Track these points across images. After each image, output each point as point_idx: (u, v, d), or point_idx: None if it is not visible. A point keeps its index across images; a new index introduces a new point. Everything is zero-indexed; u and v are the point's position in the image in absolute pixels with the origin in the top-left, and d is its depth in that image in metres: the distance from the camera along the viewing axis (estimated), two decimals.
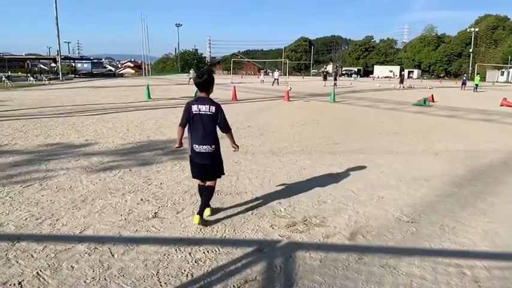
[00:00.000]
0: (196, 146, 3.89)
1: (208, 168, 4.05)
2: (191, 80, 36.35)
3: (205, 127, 3.86)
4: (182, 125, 3.97)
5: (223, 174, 4.25)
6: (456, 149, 8.53)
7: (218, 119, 3.91)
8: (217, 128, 4.00)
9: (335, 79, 36.74)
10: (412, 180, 5.99)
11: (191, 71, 39.20)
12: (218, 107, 3.92)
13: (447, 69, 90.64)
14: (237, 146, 4.21)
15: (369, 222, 4.28)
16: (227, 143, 4.22)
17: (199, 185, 4.28)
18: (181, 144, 4.01)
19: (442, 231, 4.10)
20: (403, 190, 5.48)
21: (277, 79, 39.18)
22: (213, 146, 3.93)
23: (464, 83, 38.08)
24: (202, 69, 3.98)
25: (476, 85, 33.93)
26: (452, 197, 5.21)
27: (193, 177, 4.22)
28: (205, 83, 3.91)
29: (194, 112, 3.86)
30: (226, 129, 3.99)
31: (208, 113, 3.86)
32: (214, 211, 4.40)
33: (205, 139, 3.88)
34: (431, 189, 5.56)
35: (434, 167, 6.84)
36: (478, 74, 42.94)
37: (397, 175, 6.24)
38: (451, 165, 6.94)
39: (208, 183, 4.21)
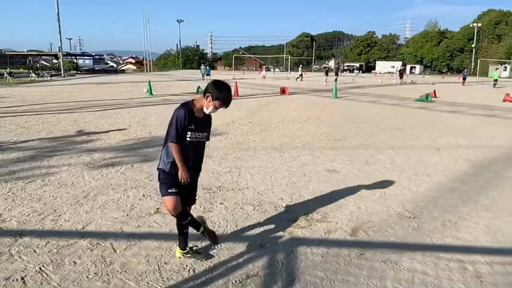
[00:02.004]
0: None
1: None
2: (204, 75, 37.04)
3: None
4: None
5: (162, 195, 3.19)
6: (458, 144, 8.50)
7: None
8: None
9: (336, 74, 36.65)
10: (414, 175, 5.98)
11: (202, 67, 40.05)
12: (174, 110, 3.10)
13: (449, 64, 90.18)
14: (183, 174, 3.04)
15: (371, 218, 4.28)
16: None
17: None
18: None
19: (443, 226, 4.10)
20: (405, 185, 5.48)
21: (302, 74, 40.14)
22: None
23: (464, 78, 37.87)
24: (224, 82, 3.08)
25: (495, 80, 33.17)
26: (454, 193, 5.20)
27: None
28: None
29: None
30: (168, 137, 3.08)
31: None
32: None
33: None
34: (433, 184, 5.55)
35: (437, 162, 6.82)
36: (497, 69, 42.44)
37: (399, 170, 6.23)
38: (453, 161, 6.92)
39: None
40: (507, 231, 4.00)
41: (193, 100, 3.13)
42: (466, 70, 44.67)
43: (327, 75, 37.88)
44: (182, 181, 3.05)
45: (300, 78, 39.19)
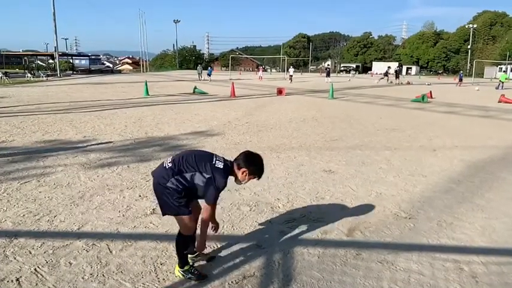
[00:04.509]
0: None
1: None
2: (200, 75, 37.10)
3: (193, 154, 2.98)
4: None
5: (164, 214, 3.02)
6: (454, 145, 8.54)
7: (209, 175, 2.84)
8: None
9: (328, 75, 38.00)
10: (410, 176, 6.00)
11: (199, 67, 40.54)
12: (220, 175, 2.86)
13: (445, 65, 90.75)
14: (201, 245, 3.11)
15: (367, 218, 4.29)
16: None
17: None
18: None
19: (439, 227, 4.11)
20: (401, 186, 5.49)
21: (292, 75, 40.27)
22: (170, 165, 2.91)
23: (460, 79, 38.48)
24: (257, 156, 3.08)
25: (502, 82, 33.05)
26: (450, 193, 5.22)
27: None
28: (242, 161, 2.96)
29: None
30: (206, 199, 2.89)
31: (214, 161, 2.92)
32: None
33: (176, 157, 3.00)
34: (429, 185, 5.57)
35: (432, 163, 6.85)
36: (504, 71, 42.94)
37: (395, 171, 6.25)
38: (449, 161, 6.95)
39: None
40: (502, 232, 4.02)
41: (232, 167, 2.96)
42: (461, 72, 45.22)
43: (328, 76, 39.17)
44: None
45: (291, 79, 38.86)
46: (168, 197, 2.86)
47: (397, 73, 41.96)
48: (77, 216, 4.15)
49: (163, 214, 3.00)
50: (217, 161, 2.92)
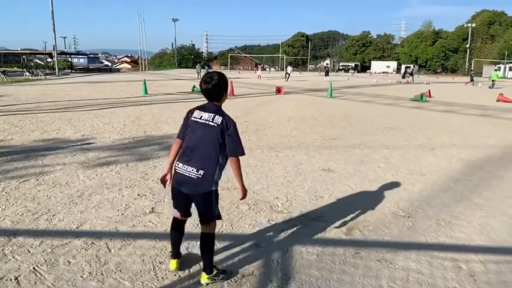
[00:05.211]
0: (180, 165, 2.79)
1: (188, 201, 2.87)
2: (199, 74, 37.05)
3: (201, 142, 2.75)
4: (179, 137, 2.92)
5: (217, 218, 2.91)
6: (453, 143, 8.56)
7: (225, 135, 2.72)
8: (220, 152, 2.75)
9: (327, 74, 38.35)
10: (408, 175, 6.01)
11: (197, 66, 40.15)
12: (227, 118, 2.77)
13: (444, 64, 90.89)
14: (243, 190, 2.83)
15: (366, 217, 4.29)
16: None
17: (173, 219, 3.06)
18: (166, 177, 2.91)
19: (438, 225, 4.12)
20: (400, 185, 5.50)
21: (289, 73, 39.88)
22: (201, 172, 2.69)
23: (472, 80, 38.74)
24: (210, 72, 2.94)
25: (494, 81, 33.17)
26: (448, 192, 5.23)
27: (174, 207, 2.98)
28: (214, 91, 2.81)
29: (193, 119, 2.83)
30: (233, 151, 2.74)
31: (211, 123, 2.75)
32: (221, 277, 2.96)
33: (193, 159, 2.75)
34: (428, 184, 5.58)
35: (431, 161, 6.86)
36: (495, 70, 43.37)
37: (393, 170, 6.26)
38: (448, 160, 6.96)
39: (202, 227, 2.94)
40: (500, 230, 4.03)
41: (219, 105, 2.89)
42: (472, 71, 46.07)
43: (327, 74, 39.32)
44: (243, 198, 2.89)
45: (287, 77, 38.15)
46: (213, 202, 2.81)
47: (405, 73, 42.29)
48: (75, 215, 4.15)
49: (204, 223, 2.90)
50: (214, 119, 2.75)
